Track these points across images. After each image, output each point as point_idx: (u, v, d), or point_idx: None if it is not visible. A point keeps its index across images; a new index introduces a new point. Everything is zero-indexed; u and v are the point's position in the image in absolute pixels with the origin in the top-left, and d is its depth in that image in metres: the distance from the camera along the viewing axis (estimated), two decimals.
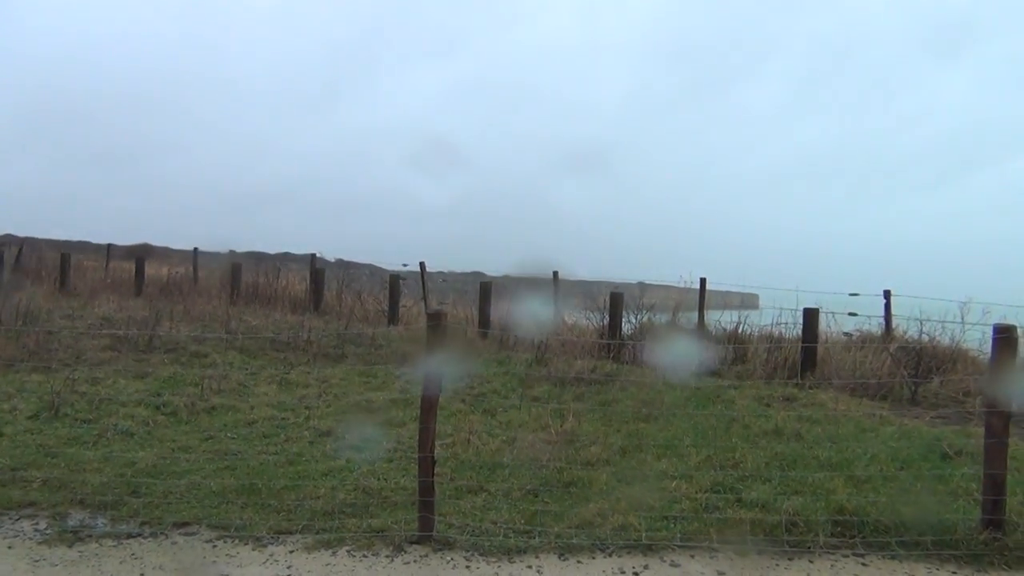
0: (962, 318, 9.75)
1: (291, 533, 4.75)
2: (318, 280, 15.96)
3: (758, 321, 11.58)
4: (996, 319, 6.13)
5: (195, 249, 19.77)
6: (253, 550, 4.54)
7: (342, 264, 19.56)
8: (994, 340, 4.65)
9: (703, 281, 13.28)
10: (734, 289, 15.14)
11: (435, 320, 4.88)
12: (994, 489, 4.60)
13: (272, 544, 4.62)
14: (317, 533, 4.74)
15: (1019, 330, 4.78)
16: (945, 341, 10.01)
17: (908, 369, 9.09)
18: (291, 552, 4.52)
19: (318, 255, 18.29)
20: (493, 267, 15.66)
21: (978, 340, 9.63)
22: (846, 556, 4.50)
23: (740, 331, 11.28)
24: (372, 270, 19.92)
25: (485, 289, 13.01)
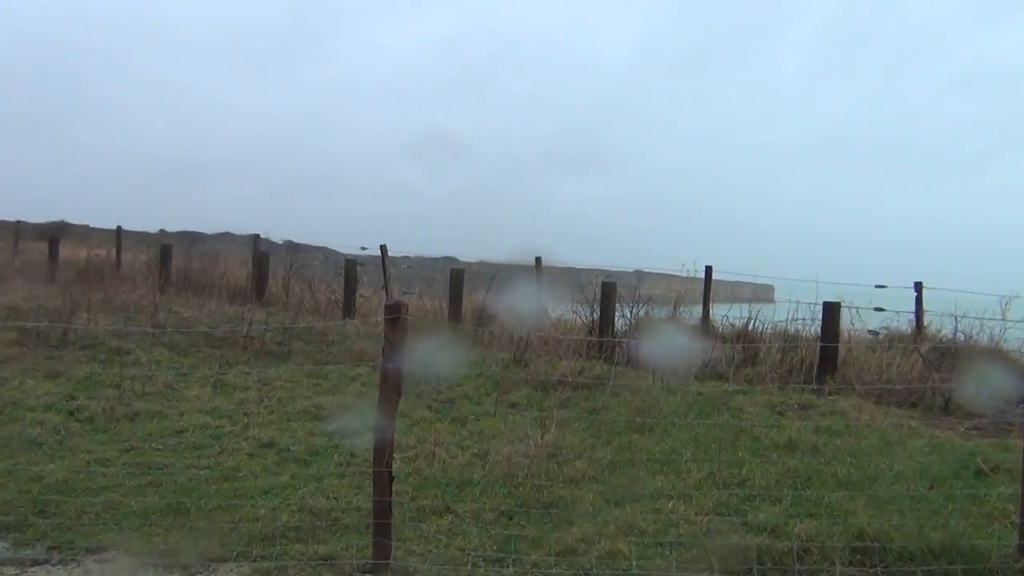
0: (1003, 315, 9.84)
1: (224, 560, 4.71)
2: (262, 265, 15.87)
3: (772, 316, 11.64)
4: None
5: (118, 228, 19.57)
6: None
7: (291, 247, 19.44)
8: None
9: (708, 270, 13.29)
10: (746, 279, 15.25)
11: (395, 312, 4.84)
12: None
13: (202, 573, 4.58)
14: (255, 561, 4.71)
15: None
16: (984, 340, 10.12)
17: (941, 373, 9.18)
18: None
19: (263, 236, 18.23)
20: (468, 252, 15.66)
21: (1021, 340, 9.75)
22: None
23: (751, 328, 11.34)
24: (326, 254, 19.88)
25: (457, 277, 12.96)
